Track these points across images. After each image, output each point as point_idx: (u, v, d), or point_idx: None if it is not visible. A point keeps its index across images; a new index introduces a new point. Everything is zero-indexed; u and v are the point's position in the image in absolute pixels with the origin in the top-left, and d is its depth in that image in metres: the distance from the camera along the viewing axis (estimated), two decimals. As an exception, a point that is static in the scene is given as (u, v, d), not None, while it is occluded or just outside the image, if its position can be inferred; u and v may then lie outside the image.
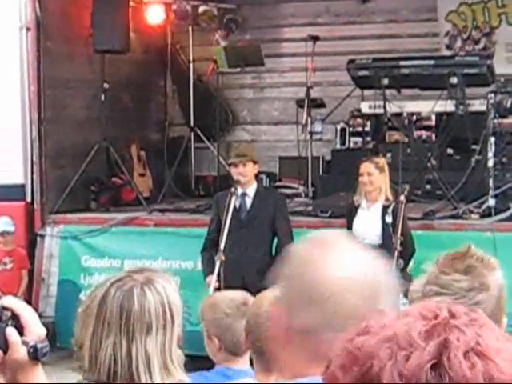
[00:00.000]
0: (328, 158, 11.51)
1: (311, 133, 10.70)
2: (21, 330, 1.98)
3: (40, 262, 9.84)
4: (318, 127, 11.22)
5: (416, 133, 10.55)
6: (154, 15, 11.95)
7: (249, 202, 7.51)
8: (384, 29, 12.16)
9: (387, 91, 10.04)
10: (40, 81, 10.05)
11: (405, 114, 10.25)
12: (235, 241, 7.28)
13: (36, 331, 2.00)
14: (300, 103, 10.88)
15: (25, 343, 1.97)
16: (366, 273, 1.63)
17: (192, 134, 11.90)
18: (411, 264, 7.34)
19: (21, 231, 9.74)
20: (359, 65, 10.34)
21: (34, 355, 1.97)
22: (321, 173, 11.33)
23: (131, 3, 11.05)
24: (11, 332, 1.97)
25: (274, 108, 12.93)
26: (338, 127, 11.27)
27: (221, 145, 11.77)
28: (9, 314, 1.98)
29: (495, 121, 9.13)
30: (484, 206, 8.81)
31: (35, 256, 9.83)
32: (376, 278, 1.64)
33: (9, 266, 9.37)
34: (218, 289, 6.62)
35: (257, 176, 7.82)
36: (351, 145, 11.21)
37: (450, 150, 10.44)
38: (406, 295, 2.43)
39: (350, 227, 7.63)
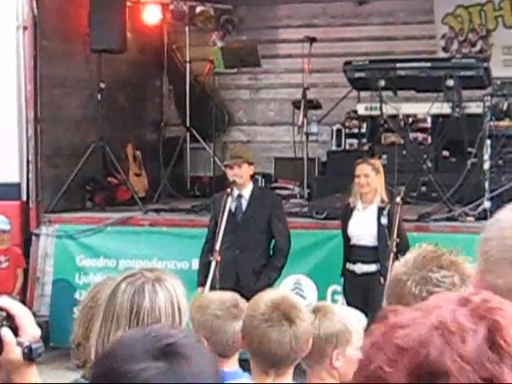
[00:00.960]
0: (324, 159, 11.50)
1: (307, 134, 10.68)
2: (16, 331, 1.98)
3: (35, 261, 9.82)
4: (313, 128, 11.22)
5: (412, 135, 10.56)
6: (151, 15, 11.94)
7: (244, 203, 7.50)
8: (381, 31, 12.17)
9: (383, 93, 10.03)
10: (36, 80, 10.03)
11: (401, 116, 10.24)
12: (231, 242, 7.27)
13: (31, 332, 2.00)
14: (296, 104, 10.87)
15: (20, 344, 1.97)
16: None
17: (188, 134, 11.91)
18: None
19: (16, 230, 9.72)
20: (356, 66, 10.33)
21: (29, 356, 1.97)
22: (316, 174, 11.32)
23: (128, 3, 11.06)
24: (6, 332, 1.97)
25: (269, 109, 12.92)
26: (334, 128, 11.28)
27: (216, 145, 11.78)
28: (4, 314, 1.98)
29: (491, 123, 9.14)
30: (480, 209, 8.81)
31: (30, 255, 9.81)
32: None
33: (4, 265, 9.36)
34: (213, 289, 6.61)
35: (252, 177, 7.81)
36: (347, 146, 11.22)
37: (445, 153, 10.45)
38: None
39: (345, 229, 7.64)
